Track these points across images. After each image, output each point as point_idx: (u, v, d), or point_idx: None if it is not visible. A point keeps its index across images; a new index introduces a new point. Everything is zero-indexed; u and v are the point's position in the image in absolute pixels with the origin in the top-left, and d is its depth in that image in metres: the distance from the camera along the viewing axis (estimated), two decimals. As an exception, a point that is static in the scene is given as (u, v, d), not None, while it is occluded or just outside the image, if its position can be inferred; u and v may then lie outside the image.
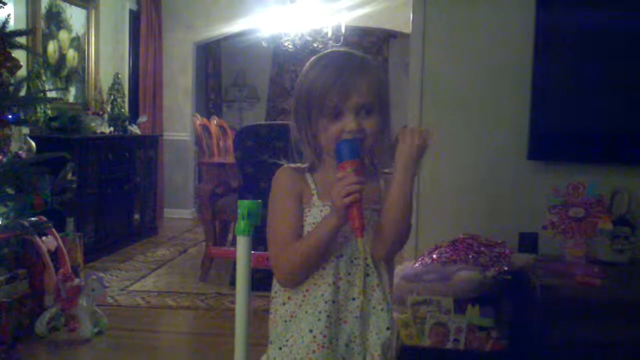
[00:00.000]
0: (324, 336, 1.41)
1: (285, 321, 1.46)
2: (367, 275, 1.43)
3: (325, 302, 1.41)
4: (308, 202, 1.45)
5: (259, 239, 1.52)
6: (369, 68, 1.44)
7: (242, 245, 1.51)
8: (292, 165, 1.50)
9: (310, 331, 1.41)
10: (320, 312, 1.41)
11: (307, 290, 1.43)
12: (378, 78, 1.44)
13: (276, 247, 1.44)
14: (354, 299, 1.43)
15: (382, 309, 1.45)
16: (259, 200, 1.53)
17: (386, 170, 1.50)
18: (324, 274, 1.42)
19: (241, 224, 1.50)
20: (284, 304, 1.46)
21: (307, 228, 1.44)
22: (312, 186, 1.46)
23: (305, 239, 1.41)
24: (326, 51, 1.50)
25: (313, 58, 1.48)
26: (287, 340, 1.45)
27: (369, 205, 1.40)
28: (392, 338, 1.48)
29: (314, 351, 1.41)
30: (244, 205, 1.50)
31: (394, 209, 1.41)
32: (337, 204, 1.32)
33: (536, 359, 2.43)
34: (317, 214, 1.44)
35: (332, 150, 1.41)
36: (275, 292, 1.50)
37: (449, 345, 2.58)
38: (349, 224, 1.35)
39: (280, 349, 1.46)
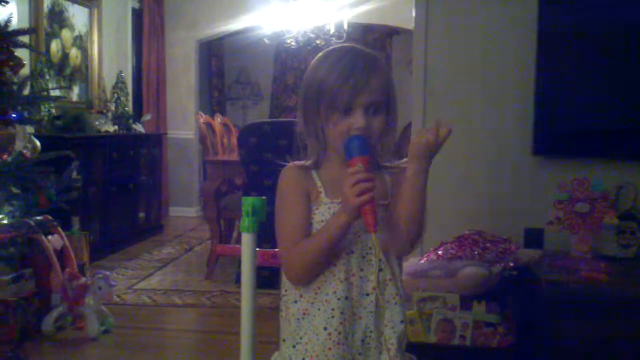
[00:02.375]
0: (339, 333, 1.40)
1: (298, 319, 1.45)
2: (380, 270, 1.43)
3: (338, 299, 1.41)
4: (316, 200, 1.45)
5: (264, 237, 1.52)
6: (380, 66, 1.44)
7: (246, 243, 1.51)
8: (297, 163, 1.49)
9: (325, 329, 1.41)
10: (333, 309, 1.41)
11: (318, 288, 1.43)
12: (387, 77, 1.44)
13: (286, 247, 1.43)
14: (367, 294, 1.42)
15: (395, 303, 1.45)
16: (264, 197, 1.52)
17: (388, 164, 1.50)
18: (334, 271, 1.42)
19: (246, 221, 1.50)
20: (295, 302, 1.46)
21: (316, 226, 1.43)
22: (319, 184, 1.46)
23: (316, 236, 1.40)
24: (336, 46, 1.49)
25: (323, 52, 1.47)
26: (300, 338, 1.44)
27: (377, 201, 1.39)
28: (406, 331, 1.48)
29: (329, 348, 1.40)
30: (249, 202, 1.49)
31: (409, 203, 1.40)
32: (351, 203, 1.31)
33: (542, 354, 2.42)
34: (325, 212, 1.43)
35: (338, 146, 1.41)
36: (286, 291, 1.49)
37: (455, 342, 2.58)
38: (359, 220, 1.35)
39: (294, 346, 1.45)
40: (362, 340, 1.43)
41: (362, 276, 1.43)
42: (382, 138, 1.44)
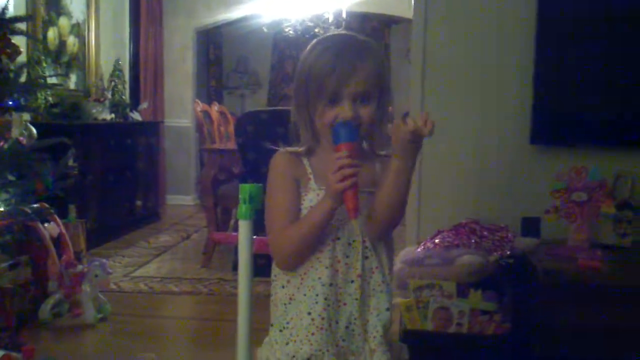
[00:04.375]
0: (322, 318, 1.41)
1: (285, 304, 1.46)
2: (366, 257, 1.43)
3: (323, 285, 1.41)
4: (305, 186, 1.45)
5: (260, 224, 1.52)
6: (370, 53, 1.42)
7: (243, 229, 1.51)
8: (289, 149, 1.49)
9: (309, 314, 1.42)
10: (317, 295, 1.41)
11: (304, 274, 1.43)
12: (378, 64, 1.42)
13: (274, 231, 1.44)
14: (352, 281, 1.43)
15: (381, 291, 1.45)
16: (261, 184, 1.52)
17: (382, 153, 1.49)
18: (321, 257, 1.42)
19: (242, 208, 1.50)
20: (283, 287, 1.47)
21: (304, 212, 1.44)
22: (309, 170, 1.46)
23: (301, 222, 1.41)
24: (329, 34, 1.49)
25: (315, 40, 1.47)
26: (287, 323, 1.45)
27: (364, 188, 1.39)
28: (392, 319, 1.48)
29: (313, 333, 1.41)
30: (246, 190, 1.49)
31: (389, 196, 1.39)
32: (333, 189, 1.32)
33: (539, 342, 2.43)
34: (313, 198, 1.43)
35: (327, 134, 1.41)
36: (275, 276, 1.50)
37: (452, 330, 2.58)
38: (344, 207, 1.34)
39: (280, 331, 1.46)
40: (347, 327, 1.43)
41: (347, 263, 1.43)
42: (374, 126, 1.43)
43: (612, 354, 2.37)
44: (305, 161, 1.47)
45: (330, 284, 1.42)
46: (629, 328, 2.35)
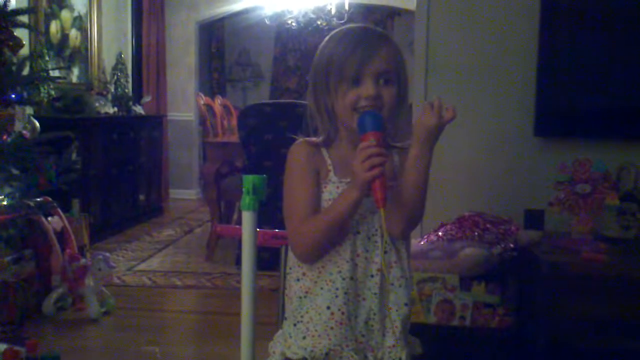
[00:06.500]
0: (342, 313, 1.39)
1: (300, 297, 1.44)
2: (385, 252, 1.41)
3: (343, 279, 1.39)
4: (325, 177, 1.43)
5: (264, 217, 1.51)
6: (390, 40, 1.43)
7: (247, 221, 1.50)
8: (308, 139, 1.47)
9: (328, 308, 1.40)
10: (337, 289, 1.39)
11: (322, 267, 1.41)
12: (397, 50, 1.43)
13: (294, 223, 1.41)
14: (372, 275, 1.41)
15: (400, 286, 1.43)
16: (264, 175, 1.51)
17: (398, 145, 1.48)
18: (340, 251, 1.40)
19: (246, 199, 1.49)
20: (298, 280, 1.45)
21: (323, 204, 1.41)
22: (329, 161, 1.44)
23: (325, 213, 1.38)
24: (345, 26, 1.49)
25: (332, 32, 1.46)
26: (302, 317, 1.43)
27: (387, 181, 1.36)
28: (411, 314, 1.47)
29: (332, 328, 1.40)
30: (249, 181, 1.48)
31: (411, 185, 1.38)
32: (361, 178, 1.29)
33: (542, 335, 2.43)
34: (333, 190, 1.41)
35: (348, 121, 1.39)
36: (290, 268, 1.48)
37: (455, 323, 2.58)
38: (367, 200, 1.33)
39: (295, 325, 1.44)
40: (366, 322, 1.42)
41: (367, 257, 1.41)
42: (395, 116, 1.42)
43: (616, 346, 2.37)
44: (324, 152, 1.45)
45: (351, 278, 1.40)
46: (632, 320, 2.35)
